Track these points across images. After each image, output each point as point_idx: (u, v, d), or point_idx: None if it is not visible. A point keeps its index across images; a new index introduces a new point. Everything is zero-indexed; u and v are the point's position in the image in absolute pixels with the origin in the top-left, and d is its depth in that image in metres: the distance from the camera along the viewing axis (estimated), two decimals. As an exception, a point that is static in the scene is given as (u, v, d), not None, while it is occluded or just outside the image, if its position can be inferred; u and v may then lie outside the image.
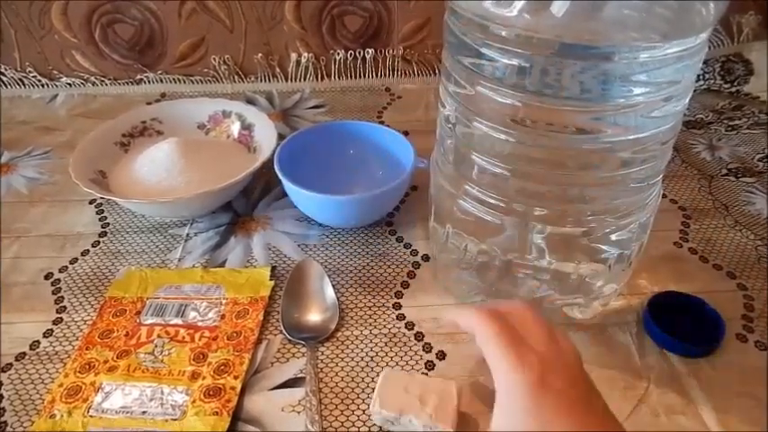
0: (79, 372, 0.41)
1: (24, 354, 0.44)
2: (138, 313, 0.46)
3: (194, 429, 0.37)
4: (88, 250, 0.53)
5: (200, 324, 0.45)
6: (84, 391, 0.40)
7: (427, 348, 0.43)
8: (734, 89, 0.76)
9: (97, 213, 0.58)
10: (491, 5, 0.33)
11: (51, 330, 0.45)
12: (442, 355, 0.43)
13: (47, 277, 0.50)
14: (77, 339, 0.44)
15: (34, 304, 0.48)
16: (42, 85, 0.79)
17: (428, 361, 0.43)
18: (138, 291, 0.48)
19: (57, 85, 0.79)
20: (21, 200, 0.60)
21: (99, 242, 0.54)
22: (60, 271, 0.51)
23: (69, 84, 0.79)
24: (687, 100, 0.37)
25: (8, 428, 0.39)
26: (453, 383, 0.38)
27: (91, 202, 0.59)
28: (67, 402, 0.39)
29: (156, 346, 0.43)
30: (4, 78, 0.78)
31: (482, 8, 0.33)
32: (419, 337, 0.44)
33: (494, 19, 0.33)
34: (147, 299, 0.47)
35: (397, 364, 0.42)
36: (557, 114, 0.35)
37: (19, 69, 0.78)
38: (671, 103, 0.35)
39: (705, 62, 0.72)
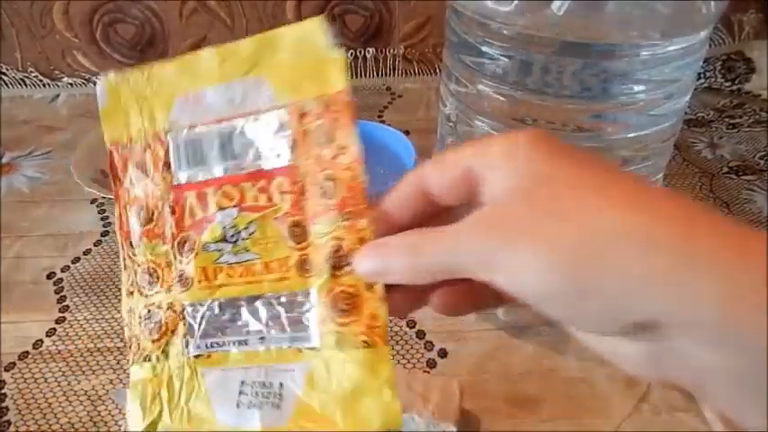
0: (134, 291, 0.26)
1: (27, 353, 0.44)
2: (168, 166, 0.25)
3: (350, 375, 0.21)
4: (90, 249, 0.53)
5: (266, 168, 0.24)
6: (164, 320, 0.25)
7: (429, 346, 0.44)
8: (735, 87, 0.76)
9: (99, 213, 0.58)
10: (492, 3, 0.33)
11: (54, 329, 0.46)
12: (443, 353, 0.43)
13: (49, 276, 0.50)
14: (80, 338, 0.44)
15: (37, 303, 0.48)
16: (44, 85, 0.79)
17: (430, 359, 0.43)
18: (143, 121, 0.26)
19: (58, 85, 0.79)
20: (22, 199, 0.60)
21: (101, 241, 0.54)
22: (62, 270, 0.51)
23: (71, 83, 0.79)
24: (688, 98, 0.37)
25: (11, 428, 0.39)
26: (455, 381, 0.38)
27: (92, 202, 0.59)
28: (156, 340, 0.25)
29: (224, 228, 0.24)
30: (5, 78, 0.78)
31: (483, 6, 0.33)
32: (420, 335, 0.44)
33: (495, 17, 0.33)
34: (166, 133, 0.25)
35: (398, 362, 0.42)
36: (557, 112, 0.35)
37: (20, 69, 0.78)
38: (671, 101, 0.35)
39: (706, 60, 0.72)
